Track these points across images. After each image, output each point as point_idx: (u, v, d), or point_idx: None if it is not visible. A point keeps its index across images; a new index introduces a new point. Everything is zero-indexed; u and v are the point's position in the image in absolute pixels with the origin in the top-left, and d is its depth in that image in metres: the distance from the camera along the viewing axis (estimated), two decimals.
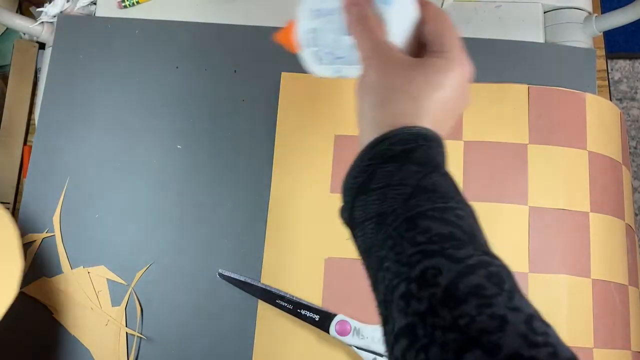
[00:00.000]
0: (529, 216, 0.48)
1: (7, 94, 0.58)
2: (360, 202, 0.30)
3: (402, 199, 0.28)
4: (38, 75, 0.59)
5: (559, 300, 0.46)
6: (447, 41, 0.33)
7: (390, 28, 0.33)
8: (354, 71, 0.36)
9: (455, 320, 0.23)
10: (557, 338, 0.23)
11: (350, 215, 0.32)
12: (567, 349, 0.22)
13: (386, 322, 0.27)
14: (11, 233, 0.46)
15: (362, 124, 0.32)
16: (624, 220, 0.49)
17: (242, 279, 0.47)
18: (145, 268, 0.49)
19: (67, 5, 0.56)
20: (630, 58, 1.39)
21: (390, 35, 0.33)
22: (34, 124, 0.56)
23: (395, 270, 0.26)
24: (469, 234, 0.27)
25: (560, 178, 0.48)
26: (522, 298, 0.24)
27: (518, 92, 0.50)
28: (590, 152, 0.49)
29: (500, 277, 0.25)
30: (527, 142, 0.49)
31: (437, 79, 0.31)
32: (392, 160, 0.29)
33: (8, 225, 0.46)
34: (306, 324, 0.46)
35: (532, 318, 0.23)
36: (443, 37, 0.33)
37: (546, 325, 0.23)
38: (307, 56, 0.37)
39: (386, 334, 0.27)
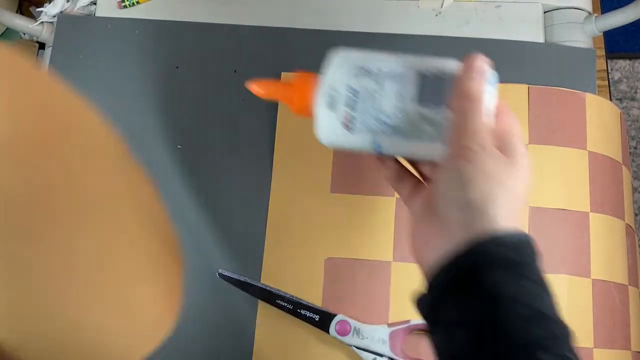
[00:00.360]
0: (528, 216, 0.48)
1: None
2: (453, 303, 0.27)
3: (516, 320, 0.25)
4: None
5: (559, 300, 0.46)
6: (518, 139, 0.31)
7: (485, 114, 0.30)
8: (407, 147, 0.31)
9: None
10: None
11: (433, 311, 0.29)
12: None
13: None
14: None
15: (453, 210, 0.29)
16: (624, 220, 0.49)
17: (242, 279, 0.47)
18: None
19: (67, 5, 0.56)
20: (630, 58, 1.39)
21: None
22: None
23: None
24: None
25: (560, 178, 0.48)
26: None
27: (518, 92, 0.50)
28: (590, 152, 0.49)
29: None
30: (527, 142, 0.49)
31: (524, 179, 0.30)
32: (502, 267, 0.27)
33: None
34: (306, 324, 0.46)
35: None
36: (515, 135, 0.31)
37: None
38: (331, 120, 0.31)
39: None
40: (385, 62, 0.32)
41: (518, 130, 0.32)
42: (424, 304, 0.30)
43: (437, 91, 0.30)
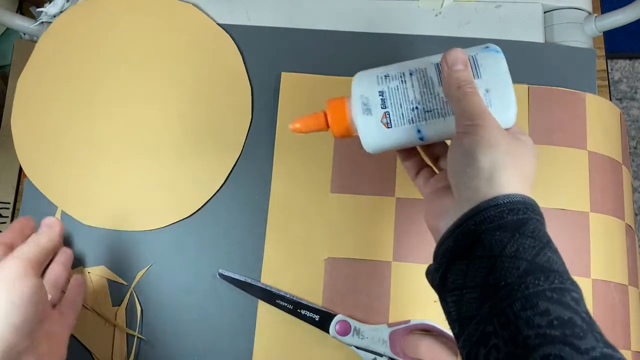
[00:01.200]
0: None
1: (7, 94, 0.58)
2: (460, 267, 0.29)
3: (517, 274, 0.27)
4: None
5: None
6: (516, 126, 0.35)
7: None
8: (444, 124, 0.35)
9: None
10: None
11: (441, 279, 0.30)
12: None
13: None
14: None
15: (464, 181, 0.31)
16: (624, 220, 0.49)
17: (242, 279, 0.47)
18: (146, 269, 0.49)
19: (67, 5, 0.56)
20: (630, 58, 1.39)
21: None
22: None
23: (508, 351, 0.25)
24: (587, 321, 0.26)
25: (560, 178, 0.48)
26: None
27: (518, 92, 0.50)
28: (590, 152, 0.49)
29: None
30: None
31: (531, 153, 0.32)
32: (503, 229, 0.28)
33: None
34: (306, 324, 0.46)
35: None
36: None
37: None
38: (370, 124, 0.35)
39: None
40: (400, 66, 0.36)
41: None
42: (432, 273, 0.32)
43: None
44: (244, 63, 0.53)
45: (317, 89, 0.51)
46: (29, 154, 0.51)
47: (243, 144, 0.50)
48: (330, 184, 0.49)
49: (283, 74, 0.52)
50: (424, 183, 0.38)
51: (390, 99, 0.35)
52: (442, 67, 0.34)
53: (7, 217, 0.55)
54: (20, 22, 0.55)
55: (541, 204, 0.48)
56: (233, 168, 0.50)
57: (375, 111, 0.35)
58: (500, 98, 0.34)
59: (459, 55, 0.33)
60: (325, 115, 0.37)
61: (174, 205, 0.49)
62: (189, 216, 0.49)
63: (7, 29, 0.62)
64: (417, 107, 0.35)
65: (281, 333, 0.47)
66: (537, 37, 0.53)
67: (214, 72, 0.52)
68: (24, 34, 0.58)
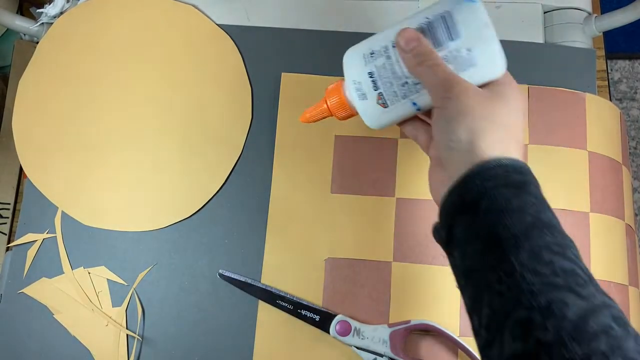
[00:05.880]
0: None
1: (7, 95, 0.59)
2: (466, 220, 0.30)
3: (524, 226, 0.28)
4: None
5: None
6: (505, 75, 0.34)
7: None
8: None
9: (587, 357, 0.23)
10: None
11: (448, 233, 0.31)
12: None
13: (490, 345, 0.27)
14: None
15: (453, 154, 0.31)
16: (624, 220, 0.49)
17: (242, 279, 0.48)
18: (148, 269, 0.49)
19: (67, 5, 0.56)
20: (630, 58, 1.39)
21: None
22: None
23: (512, 296, 0.26)
24: (587, 274, 0.27)
25: (560, 178, 0.48)
26: None
27: None
28: (590, 152, 0.49)
29: (624, 321, 0.25)
30: (527, 142, 0.49)
31: (514, 107, 0.32)
32: (508, 186, 0.29)
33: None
34: (306, 324, 0.46)
35: None
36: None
37: None
38: (369, 107, 0.36)
39: (489, 357, 0.27)
40: (384, 36, 0.36)
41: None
42: (438, 230, 0.33)
43: (436, 34, 0.34)
44: (244, 63, 0.53)
45: (317, 89, 0.51)
46: (30, 154, 0.52)
47: (243, 144, 0.51)
48: (330, 184, 0.49)
49: (283, 74, 0.52)
50: (426, 145, 0.38)
51: (380, 79, 0.35)
52: (398, 51, 0.34)
53: (8, 217, 0.55)
54: (20, 23, 0.55)
55: None
56: (233, 168, 0.50)
57: (370, 95, 0.35)
58: (484, 52, 0.33)
59: (409, 33, 0.33)
60: (327, 103, 0.38)
61: (175, 205, 0.49)
62: (189, 216, 0.49)
63: (7, 29, 0.62)
64: (406, 82, 0.35)
65: (281, 333, 0.47)
66: (537, 37, 0.53)
67: (214, 72, 0.52)
68: (24, 34, 0.58)
